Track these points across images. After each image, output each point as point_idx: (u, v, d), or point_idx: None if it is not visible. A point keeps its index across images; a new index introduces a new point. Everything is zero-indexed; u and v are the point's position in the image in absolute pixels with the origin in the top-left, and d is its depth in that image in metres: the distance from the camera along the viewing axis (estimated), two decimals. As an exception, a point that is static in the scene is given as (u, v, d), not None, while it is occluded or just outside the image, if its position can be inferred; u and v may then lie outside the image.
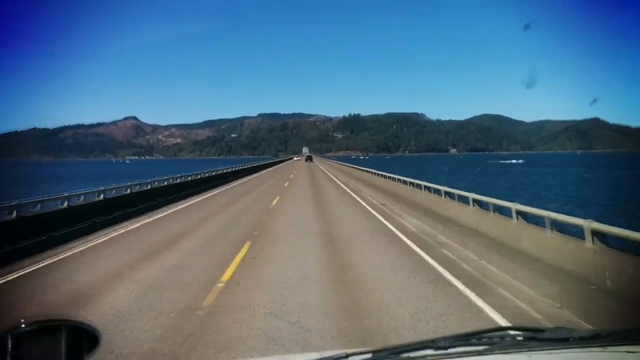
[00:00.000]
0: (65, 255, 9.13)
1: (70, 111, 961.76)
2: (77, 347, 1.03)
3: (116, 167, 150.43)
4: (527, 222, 7.66)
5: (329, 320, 5.11)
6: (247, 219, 13.82)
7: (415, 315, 5.25)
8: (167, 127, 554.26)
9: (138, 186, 16.40)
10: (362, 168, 35.92)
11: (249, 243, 9.79)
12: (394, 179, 20.94)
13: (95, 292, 6.42)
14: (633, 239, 4.93)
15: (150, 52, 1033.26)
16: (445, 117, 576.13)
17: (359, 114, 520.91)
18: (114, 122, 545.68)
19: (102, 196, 13.44)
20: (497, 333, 1.49)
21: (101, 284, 6.90)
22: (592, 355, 1.31)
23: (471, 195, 10.38)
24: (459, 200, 11.53)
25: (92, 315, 5.32)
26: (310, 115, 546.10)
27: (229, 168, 38.12)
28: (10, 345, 0.96)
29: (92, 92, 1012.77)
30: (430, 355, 1.28)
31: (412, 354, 1.29)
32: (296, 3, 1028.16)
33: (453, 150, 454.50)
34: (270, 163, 73.69)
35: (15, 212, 9.66)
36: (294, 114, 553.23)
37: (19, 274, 7.70)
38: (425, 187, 14.91)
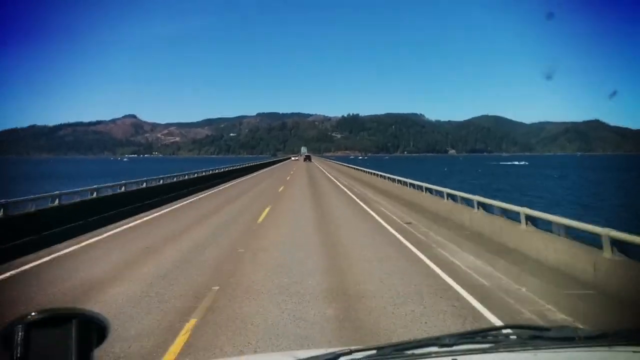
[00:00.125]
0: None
1: (69, 109, 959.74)
2: (87, 338, 1.01)
3: (110, 166, 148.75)
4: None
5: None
6: (212, 254, 8.75)
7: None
8: (166, 126, 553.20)
9: (95, 192, 13.82)
10: (367, 170, 33.33)
11: (195, 322, 5.06)
12: (409, 184, 18.36)
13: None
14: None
15: (150, 51, 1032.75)
16: (444, 118, 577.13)
17: (358, 114, 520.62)
18: (114, 120, 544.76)
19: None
20: (502, 331, 1.50)
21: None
22: (598, 354, 1.29)
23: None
24: (528, 223, 8.02)
25: None
26: (309, 115, 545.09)
27: (218, 169, 34.77)
28: (19, 335, 0.95)
29: (91, 90, 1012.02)
30: (435, 353, 1.27)
31: (417, 351, 1.29)
32: (296, 3, 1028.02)
33: (452, 151, 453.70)
34: (266, 163, 71.70)
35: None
36: (292, 114, 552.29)
37: None
38: (462, 199, 11.86)
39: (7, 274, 7.42)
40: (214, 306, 5.60)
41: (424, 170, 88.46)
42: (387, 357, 1.28)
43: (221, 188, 26.68)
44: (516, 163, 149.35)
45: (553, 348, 1.31)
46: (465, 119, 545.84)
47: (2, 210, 9.33)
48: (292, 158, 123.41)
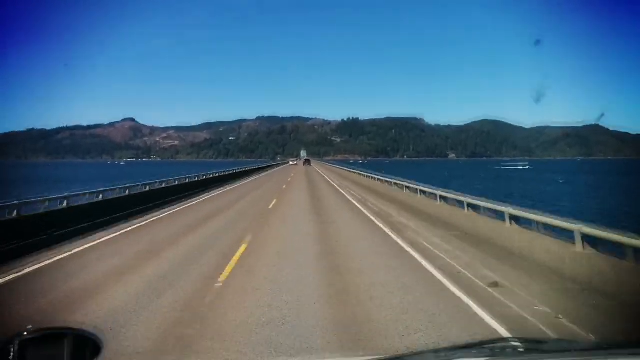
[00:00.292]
0: None
1: (68, 112, 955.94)
2: (80, 355, 1.02)
3: (104, 170, 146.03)
4: None
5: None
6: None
7: None
8: (165, 129, 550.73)
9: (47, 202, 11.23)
10: (377, 175, 30.83)
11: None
12: (438, 196, 15.87)
13: None
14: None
15: (149, 54, 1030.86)
16: (444, 122, 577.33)
17: (357, 118, 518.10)
18: (112, 124, 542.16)
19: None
20: (498, 344, 1.49)
21: None
22: None
23: None
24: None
25: None
26: (308, 119, 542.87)
27: (198, 176, 29.77)
28: (14, 352, 0.95)
29: (90, 94, 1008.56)
30: None
31: None
32: (296, 5, 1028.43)
33: (452, 155, 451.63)
34: (262, 168, 68.73)
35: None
36: (292, 118, 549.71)
37: None
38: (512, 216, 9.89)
39: None
40: None
41: (441, 175, 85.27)
42: None
43: (196, 201, 21.34)
44: (520, 167, 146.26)
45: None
46: (465, 123, 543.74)
47: None
48: (291, 163, 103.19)
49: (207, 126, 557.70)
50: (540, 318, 5.45)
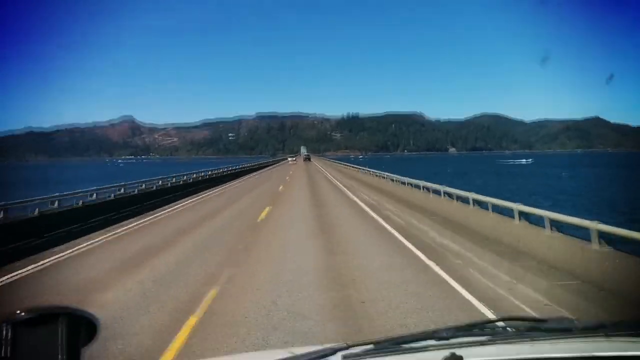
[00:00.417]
0: None
1: (66, 112, 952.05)
2: (75, 336, 1.01)
3: (98, 170, 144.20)
4: None
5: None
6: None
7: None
8: (163, 128, 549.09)
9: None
10: (386, 175, 25.93)
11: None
12: (472, 200, 12.51)
13: None
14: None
15: (147, 52, 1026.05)
16: (444, 117, 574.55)
17: (357, 114, 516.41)
18: (111, 123, 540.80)
19: None
20: (499, 324, 1.49)
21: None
22: (595, 345, 1.29)
23: None
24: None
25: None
26: (308, 116, 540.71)
27: (189, 175, 27.74)
28: (7, 334, 0.95)
29: (88, 93, 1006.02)
30: (432, 346, 1.27)
31: (414, 344, 1.30)
32: (294, 2, 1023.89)
33: (452, 150, 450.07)
34: (259, 166, 66.40)
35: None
36: (292, 114, 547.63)
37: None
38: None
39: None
40: None
41: (441, 172, 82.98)
42: (384, 351, 1.27)
43: (160, 216, 16.74)
44: (523, 162, 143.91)
45: (550, 339, 1.30)
46: (465, 117, 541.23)
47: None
48: (289, 160, 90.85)
49: (206, 124, 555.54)
50: None
